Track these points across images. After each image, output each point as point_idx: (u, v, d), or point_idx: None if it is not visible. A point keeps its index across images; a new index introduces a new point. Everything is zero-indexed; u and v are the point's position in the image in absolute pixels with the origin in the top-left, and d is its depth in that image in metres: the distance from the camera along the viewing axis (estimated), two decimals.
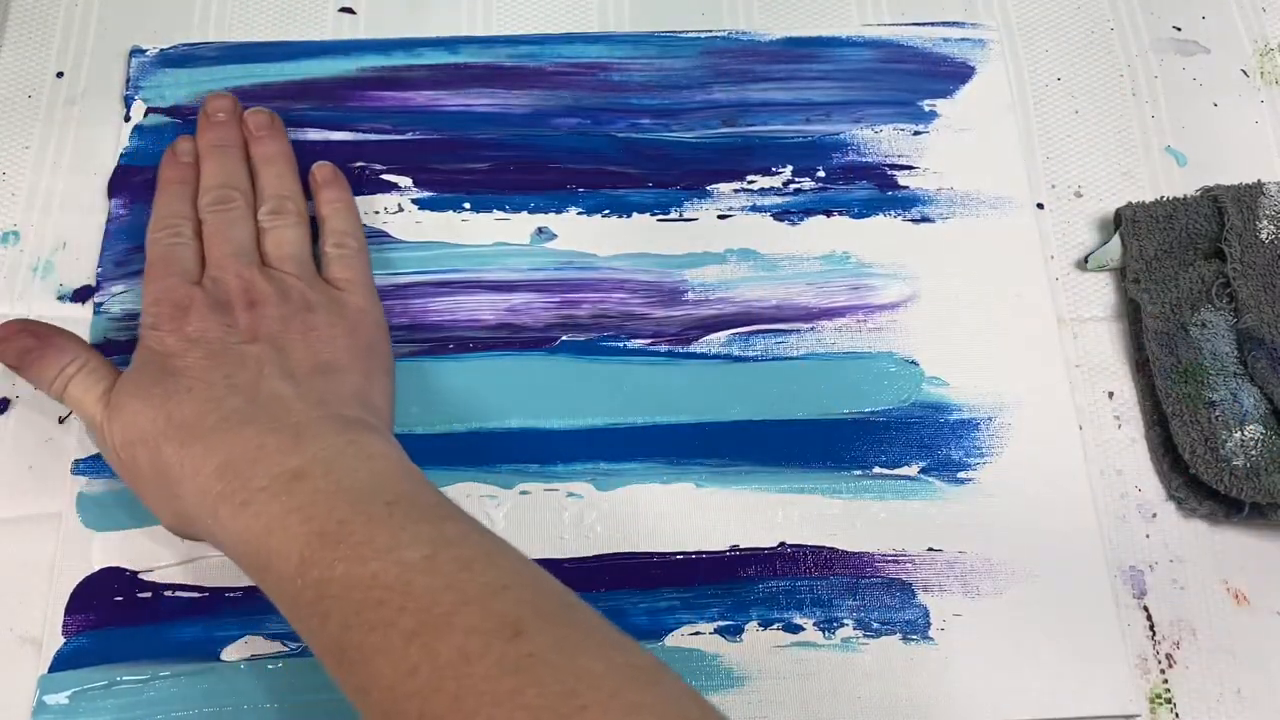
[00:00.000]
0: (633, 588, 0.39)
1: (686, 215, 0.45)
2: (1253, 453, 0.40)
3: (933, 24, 0.49)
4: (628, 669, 0.29)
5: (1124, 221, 0.44)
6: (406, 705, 0.28)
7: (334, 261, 0.41)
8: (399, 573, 0.30)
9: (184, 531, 0.37)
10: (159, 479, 0.35)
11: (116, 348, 0.42)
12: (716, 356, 0.42)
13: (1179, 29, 0.50)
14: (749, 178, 0.46)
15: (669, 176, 0.46)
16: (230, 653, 0.37)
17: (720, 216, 0.45)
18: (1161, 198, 0.45)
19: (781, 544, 0.40)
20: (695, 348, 0.43)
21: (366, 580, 0.30)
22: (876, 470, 0.41)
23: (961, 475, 0.41)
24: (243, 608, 0.38)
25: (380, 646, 0.29)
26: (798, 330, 0.43)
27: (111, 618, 0.38)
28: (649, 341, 0.43)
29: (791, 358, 0.43)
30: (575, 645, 0.29)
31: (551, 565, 0.39)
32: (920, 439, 0.41)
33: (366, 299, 0.40)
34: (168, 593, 0.38)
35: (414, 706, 0.28)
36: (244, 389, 0.36)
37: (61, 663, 0.37)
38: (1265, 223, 0.43)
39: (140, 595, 0.38)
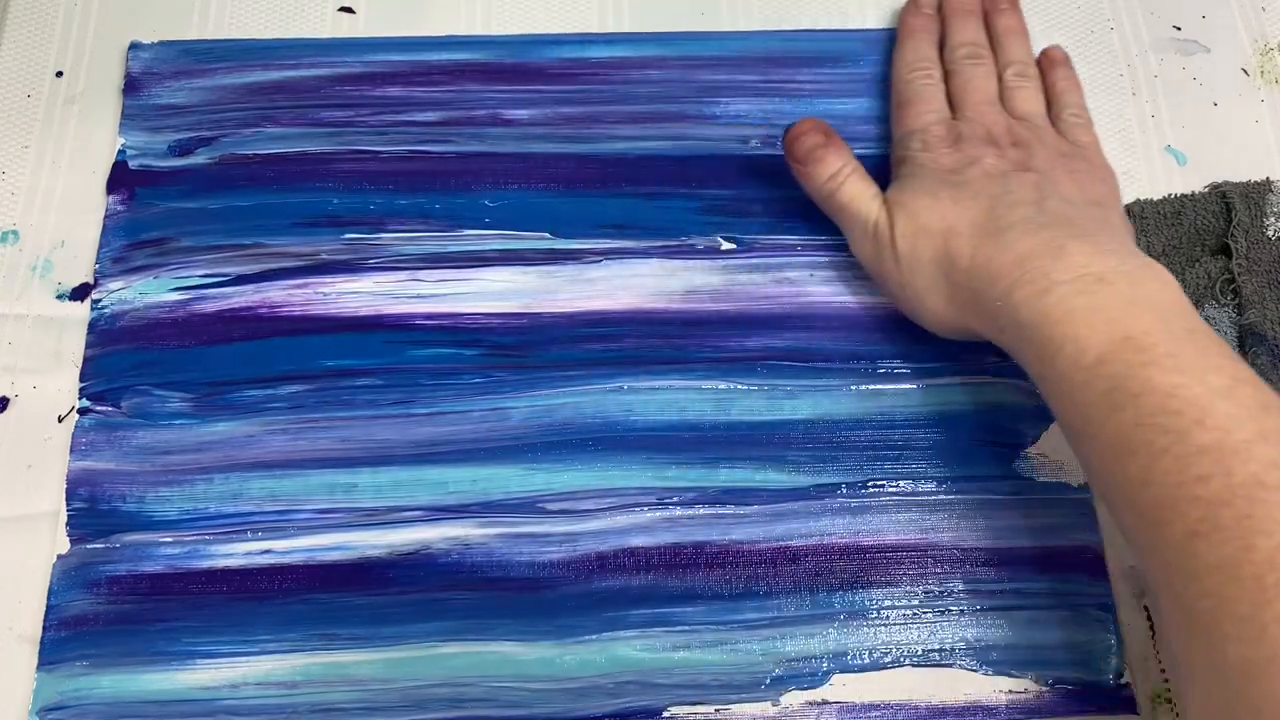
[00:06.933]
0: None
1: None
2: None
3: None
4: None
5: (1132, 218, 0.44)
6: (1188, 507, 0.30)
7: (1072, 128, 0.44)
8: (1201, 391, 0.32)
9: (948, 320, 0.40)
10: (939, 265, 0.39)
11: (115, 344, 0.42)
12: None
13: (1179, 29, 0.50)
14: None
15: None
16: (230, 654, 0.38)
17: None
18: (1169, 194, 0.45)
19: (783, 544, 0.40)
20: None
21: (1167, 388, 0.32)
22: (877, 473, 0.41)
23: (963, 474, 0.41)
24: (240, 607, 0.38)
25: (1170, 449, 0.31)
26: (816, 336, 0.43)
27: (108, 616, 0.38)
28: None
29: (810, 365, 0.43)
30: None
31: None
32: (920, 440, 0.41)
33: (1101, 157, 0.44)
34: (166, 593, 0.38)
35: (1197, 510, 0.30)
36: (1031, 203, 0.39)
37: (58, 661, 0.37)
38: (1272, 220, 0.43)
39: (138, 594, 0.38)
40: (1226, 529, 0.29)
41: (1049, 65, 0.46)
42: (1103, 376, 0.33)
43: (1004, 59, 0.46)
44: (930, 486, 0.41)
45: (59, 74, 0.47)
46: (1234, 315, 0.42)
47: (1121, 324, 0.33)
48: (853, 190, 0.42)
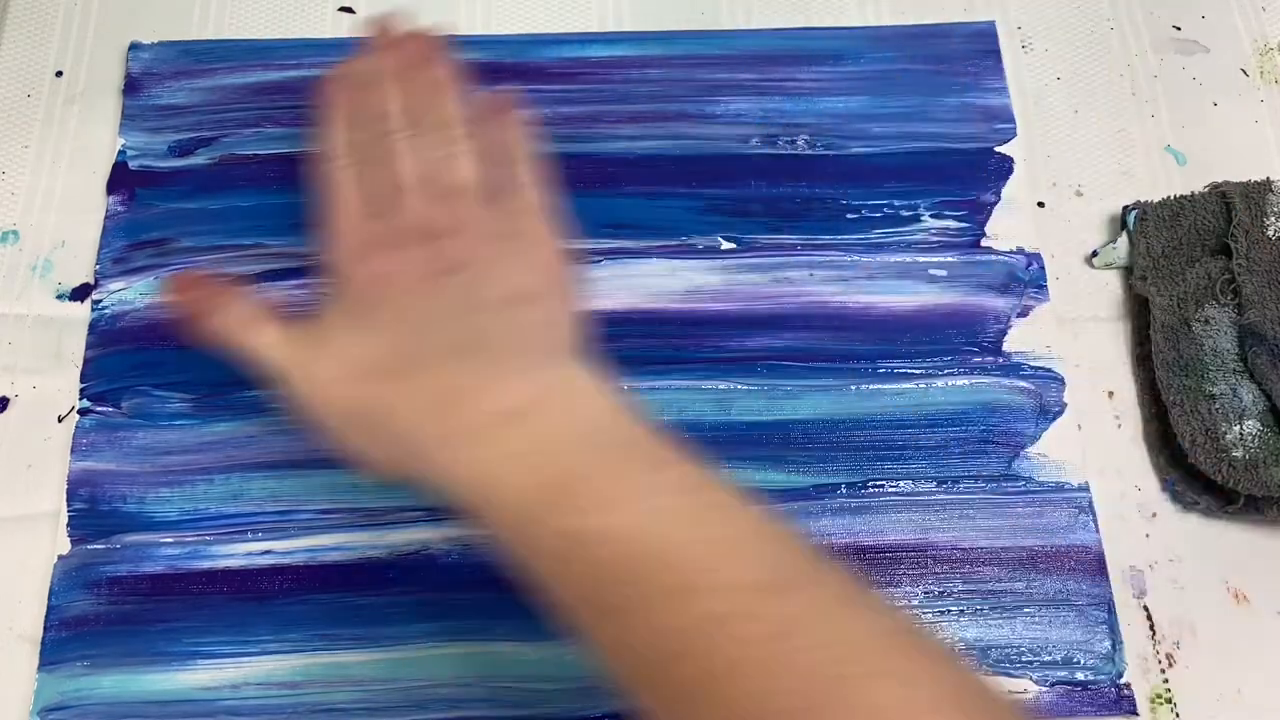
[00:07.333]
0: None
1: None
2: (1251, 447, 0.40)
3: (933, 24, 0.49)
4: (889, 634, 0.28)
5: (1132, 219, 0.44)
6: (670, 667, 0.28)
7: (505, 190, 0.39)
8: (647, 524, 0.29)
9: (405, 476, 0.34)
10: (363, 417, 0.33)
11: (115, 345, 0.42)
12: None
13: (1179, 29, 0.50)
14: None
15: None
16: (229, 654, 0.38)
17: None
18: (1169, 195, 0.45)
19: None
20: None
21: (616, 533, 0.29)
22: (877, 473, 0.41)
23: (963, 474, 0.41)
24: (241, 608, 0.38)
25: (636, 604, 0.29)
26: (816, 336, 0.43)
27: (108, 617, 0.38)
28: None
29: (810, 365, 0.42)
30: (833, 607, 0.28)
31: None
32: (920, 441, 0.41)
33: (544, 225, 0.38)
34: (167, 594, 0.38)
35: (682, 669, 0.28)
36: (441, 323, 0.34)
37: (59, 661, 0.37)
38: (1272, 219, 0.43)
39: (139, 594, 0.38)
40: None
41: (488, 113, 0.40)
42: (548, 534, 0.30)
43: (429, 123, 0.39)
44: (930, 486, 0.41)
45: (59, 74, 0.47)
46: (1234, 315, 0.42)
47: (545, 470, 0.31)
48: (258, 337, 0.35)
